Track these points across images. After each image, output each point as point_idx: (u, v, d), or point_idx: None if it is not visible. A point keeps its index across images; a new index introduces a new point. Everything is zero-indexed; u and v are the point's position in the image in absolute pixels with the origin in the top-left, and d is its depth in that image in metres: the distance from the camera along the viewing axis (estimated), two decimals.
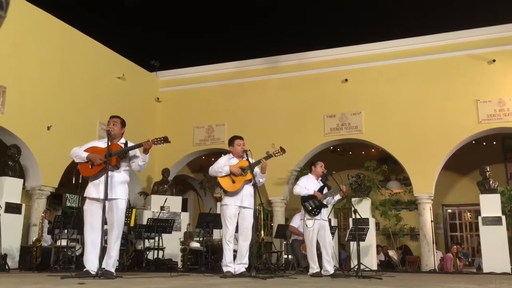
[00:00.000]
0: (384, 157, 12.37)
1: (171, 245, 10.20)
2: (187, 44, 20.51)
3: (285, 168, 11.82)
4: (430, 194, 11.19)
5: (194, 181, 15.40)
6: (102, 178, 5.14)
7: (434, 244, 11.07)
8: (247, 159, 6.07)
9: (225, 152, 6.60)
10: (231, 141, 6.37)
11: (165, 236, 9.70)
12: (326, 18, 20.60)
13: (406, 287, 4.54)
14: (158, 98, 13.75)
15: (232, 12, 20.52)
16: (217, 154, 10.26)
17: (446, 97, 11.28)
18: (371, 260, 10.43)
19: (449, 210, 14.42)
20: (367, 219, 10.70)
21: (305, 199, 7.08)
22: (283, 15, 20.95)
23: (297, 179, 8.92)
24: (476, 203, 10.78)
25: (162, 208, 10.88)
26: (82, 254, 6.66)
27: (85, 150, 5.33)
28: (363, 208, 10.64)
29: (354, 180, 7.57)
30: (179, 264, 10.20)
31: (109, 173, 5.11)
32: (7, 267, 7.92)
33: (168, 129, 12.79)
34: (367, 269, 8.93)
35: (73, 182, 8.74)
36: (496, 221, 9.93)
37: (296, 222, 9.06)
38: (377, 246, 11.90)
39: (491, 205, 10.09)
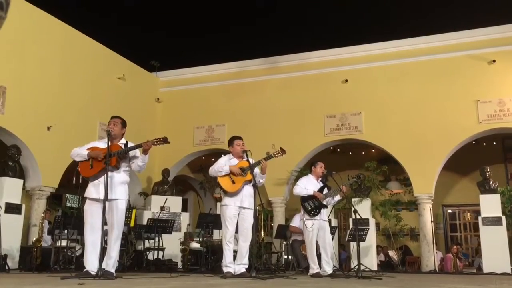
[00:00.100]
0: (384, 157, 12.37)
1: (171, 245, 10.20)
2: (187, 44, 20.52)
3: (285, 169, 11.81)
4: (430, 195, 11.18)
5: (194, 182, 15.40)
6: (102, 179, 5.14)
7: (434, 245, 11.07)
8: (247, 160, 6.07)
9: (225, 153, 6.59)
10: (231, 141, 6.37)
11: (165, 236, 9.70)
12: (326, 18, 20.61)
13: None
14: (158, 99, 13.75)
15: (232, 12, 20.53)
16: (217, 154, 10.26)
17: (446, 98, 11.28)
18: (371, 261, 10.43)
19: (449, 211, 14.42)
20: (367, 219, 10.70)
21: (304, 199, 7.09)
22: (283, 15, 20.96)
23: (297, 179, 8.92)
24: (476, 203, 10.78)
25: (162, 208, 10.88)
26: (82, 254, 6.67)
27: (85, 150, 5.34)
28: (363, 208, 10.64)
29: (354, 180, 7.57)
30: (179, 265, 10.21)
31: (109, 173, 5.11)
32: (7, 268, 7.92)
33: (168, 130, 12.78)
34: (367, 269, 8.93)
35: (74, 182, 8.71)
36: (496, 221, 9.93)
37: (296, 222, 9.06)
38: (377, 246, 11.91)
39: (491, 205, 10.09)
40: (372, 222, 10.95)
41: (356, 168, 11.92)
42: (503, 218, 9.97)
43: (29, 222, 9.92)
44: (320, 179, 7.39)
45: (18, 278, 5.83)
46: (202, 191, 15.03)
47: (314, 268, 6.98)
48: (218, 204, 9.00)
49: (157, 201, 11.55)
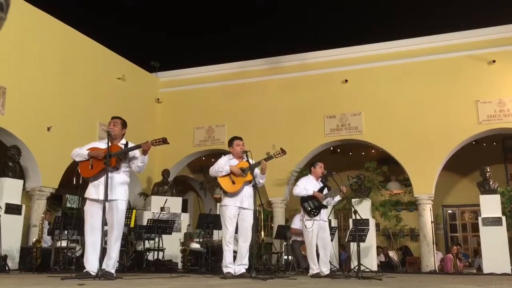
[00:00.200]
0: (384, 157, 12.37)
1: (171, 246, 10.20)
2: (187, 44, 20.52)
3: (285, 169, 11.81)
4: (430, 195, 11.18)
5: (194, 182, 15.40)
6: (102, 179, 5.15)
7: (434, 245, 11.07)
8: (247, 160, 6.08)
9: (225, 153, 6.59)
10: (231, 141, 6.37)
11: (165, 237, 9.69)
12: (326, 18, 20.61)
13: None
14: (158, 99, 13.76)
15: (232, 12, 20.53)
16: (217, 155, 10.26)
17: (446, 98, 11.28)
18: (371, 261, 10.43)
19: (449, 211, 14.42)
20: (367, 220, 10.70)
21: (304, 199, 7.09)
22: (283, 15, 20.96)
23: (297, 180, 8.92)
24: (476, 203, 10.78)
25: (162, 209, 10.89)
26: (82, 255, 6.66)
27: (86, 150, 5.35)
28: (363, 209, 10.63)
29: (355, 181, 7.57)
30: (179, 265, 10.21)
31: (109, 174, 5.11)
32: (7, 268, 7.91)
33: (168, 130, 12.78)
34: (367, 270, 8.92)
35: (74, 183, 8.75)
36: (496, 221, 9.92)
37: (296, 223, 9.06)
38: (377, 247, 11.90)
39: (491, 205, 10.09)
40: (372, 223, 10.94)
41: (356, 169, 11.93)
42: (503, 218, 9.97)
43: (29, 222, 9.92)
44: (320, 179, 7.39)
45: (18, 278, 5.83)
46: (202, 192, 15.03)
47: (314, 268, 6.98)
48: (218, 204, 9.00)
49: (157, 201, 11.56)
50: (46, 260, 8.41)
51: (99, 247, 5.01)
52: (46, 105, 10.21)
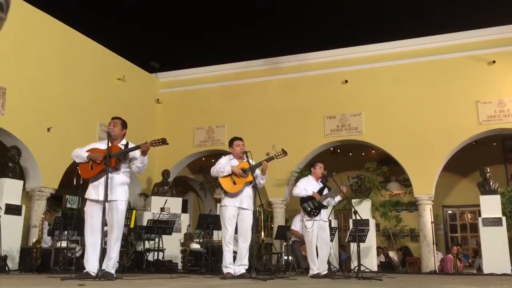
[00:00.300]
0: (384, 158, 12.37)
1: (171, 246, 10.20)
2: (187, 44, 20.52)
3: (285, 170, 11.81)
4: (430, 195, 11.18)
5: (194, 183, 15.40)
6: (102, 180, 5.15)
7: (434, 245, 11.07)
8: (247, 161, 6.08)
9: (225, 154, 6.60)
10: (231, 142, 6.38)
11: (165, 237, 9.69)
12: (326, 18, 20.61)
13: None
14: (158, 100, 13.76)
15: (232, 12, 20.53)
16: (217, 155, 10.26)
17: (446, 98, 11.28)
18: (371, 261, 10.42)
19: (449, 211, 14.41)
20: (367, 220, 10.69)
21: (304, 200, 7.09)
22: (283, 16, 20.97)
23: (297, 180, 8.92)
24: (476, 204, 10.79)
25: (162, 209, 10.89)
26: (82, 255, 6.67)
27: (86, 151, 5.35)
28: (363, 209, 10.63)
29: (355, 181, 7.57)
30: (179, 266, 10.21)
31: (109, 174, 5.11)
32: (7, 269, 7.92)
33: (168, 131, 12.80)
34: (367, 270, 8.92)
35: (74, 183, 8.75)
36: (496, 222, 9.92)
37: (296, 224, 9.06)
38: (378, 247, 11.89)
39: (491, 206, 10.09)
40: (372, 223, 10.94)
41: (356, 169, 11.93)
42: (503, 218, 9.96)
43: (29, 223, 9.92)
44: (320, 179, 7.40)
45: (18, 279, 5.83)
46: (202, 192, 15.03)
47: (314, 269, 6.98)
48: (218, 205, 8.99)
49: (157, 202, 11.56)
50: (46, 261, 8.41)
51: (99, 248, 5.01)
52: (46, 106, 10.21)
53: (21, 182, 9.46)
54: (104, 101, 11.62)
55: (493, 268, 9.57)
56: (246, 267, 6.01)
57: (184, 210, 12.77)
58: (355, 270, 7.16)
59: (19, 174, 9.49)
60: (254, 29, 20.20)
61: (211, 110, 13.20)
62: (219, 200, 7.55)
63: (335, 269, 8.88)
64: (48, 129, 10.18)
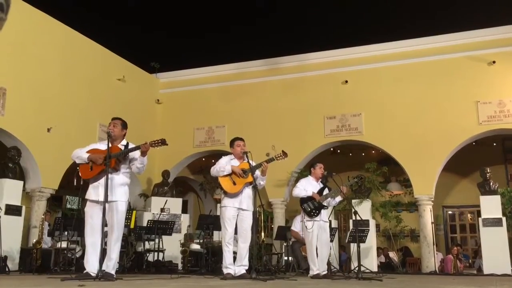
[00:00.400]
0: (384, 158, 12.36)
1: (171, 247, 10.20)
2: (187, 44, 20.52)
3: (285, 170, 11.81)
4: (431, 196, 11.18)
5: (194, 183, 15.40)
6: (102, 181, 5.15)
7: (435, 246, 11.06)
8: (247, 161, 6.09)
9: (225, 154, 6.60)
10: (232, 142, 6.40)
11: (165, 238, 9.69)
12: (326, 19, 20.61)
13: None
14: (158, 100, 13.76)
15: (232, 12, 20.53)
16: (217, 155, 10.26)
17: (446, 99, 11.28)
18: (371, 262, 10.42)
19: (450, 212, 14.41)
20: (368, 220, 10.69)
21: (304, 200, 7.09)
22: (283, 16, 20.97)
23: (297, 180, 8.92)
24: (477, 204, 10.78)
25: (162, 210, 10.88)
26: (82, 256, 6.67)
27: (86, 152, 5.35)
28: (364, 209, 10.62)
29: (355, 181, 7.57)
30: (180, 266, 10.20)
31: (109, 175, 5.11)
32: (7, 269, 7.91)
33: (168, 131, 12.81)
34: (367, 270, 8.92)
35: (74, 184, 8.74)
36: (496, 222, 9.91)
37: (297, 225, 9.06)
38: (378, 248, 11.89)
39: (491, 206, 10.08)
40: (372, 223, 10.93)
41: (356, 169, 11.93)
42: (503, 219, 9.96)
43: (29, 223, 9.92)
44: (320, 180, 7.40)
45: (18, 279, 5.83)
46: (202, 193, 15.04)
47: (314, 269, 6.97)
48: (218, 205, 9.00)
49: (157, 202, 11.55)
50: (46, 261, 8.41)
51: (99, 248, 5.01)
52: (46, 106, 10.21)
53: (21, 182, 9.45)
54: (104, 101, 11.62)
55: (493, 269, 9.56)
56: (246, 267, 6.01)
57: (184, 210, 12.77)
58: (355, 271, 7.16)
59: (19, 174, 9.49)
60: (254, 29, 20.22)
61: (211, 110, 13.20)
62: (219, 201, 7.55)
63: (335, 269, 8.88)
64: (48, 130, 10.18)
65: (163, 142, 5.20)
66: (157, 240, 9.52)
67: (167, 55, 17.29)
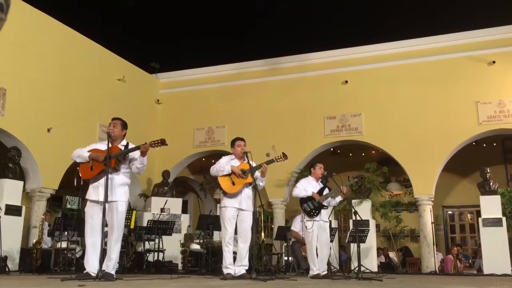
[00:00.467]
0: (384, 158, 12.36)
1: (171, 247, 10.20)
2: (187, 44, 20.52)
3: (285, 170, 11.81)
4: (431, 196, 11.18)
5: (194, 183, 15.40)
6: (102, 181, 5.16)
7: (435, 246, 11.06)
8: (248, 162, 6.09)
9: (225, 154, 6.61)
10: (233, 142, 6.41)
11: (165, 238, 9.69)
12: (326, 19, 20.61)
13: None
14: (158, 100, 13.76)
15: (232, 12, 20.53)
16: (217, 156, 10.26)
17: (446, 99, 11.29)
18: (371, 262, 10.42)
19: (450, 212, 14.41)
20: (368, 220, 10.69)
21: (303, 200, 7.10)
22: (283, 16, 20.96)
23: (297, 181, 8.92)
24: (477, 204, 10.78)
25: (162, 210, 10.88)
26: (82, 256, 6.67)
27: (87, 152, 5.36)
28: (364, 209, 10.62)
29: (355, 181, 7.57)
30: (180, 266, 10.20)
31: (109, 175, 5.12)
32: (7, 269, 7.91)
33: (168, 131, 12.82)
34: (367, 271, 8.92)
35: (75, 184, 8.72)
36: (496, 222, 9.92)
37: (297, 225, 9.06)
38: (378, 248, 11.89)
39: (491, 206, 10.08)
40: (372, 224, 10.93)
41: (356, 170, 11.93)
42: (503, 219, 9.96)
43: (29, 223, 9.92)
44: (320, 180, 7.40)
45: (18, 280, 5.83)
46: (202, 193, 15.03)
47: (314, 269, 6.98)
48: (218, 205, 9.00)
49: (157, 202, 11.55)
50: (46, 261, 8.41)
51: (99, 248, 5.01)
52: (46, 106, 10.21)
53: (21, 182, 9.45)
54: (104, 101, 11.62)
55: (493, 269, 9.56)
56: (246, 267, 6.02)
57: (184, 210, 12.77)
58: (355, 271, 7.16)
59: (19, 174, 9.49)
60: (254, 29, 20.22)
61: (211, 110, 13.20)
62: (219, 201, 7.55)
63: (335, 269, 8.88)
64: (48, 130, 10.18)
65: (162, 143, 5.20)
66: (157, 240, 9.53)
67: (167, 55, 17.30)
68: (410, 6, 18.61)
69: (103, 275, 4.85)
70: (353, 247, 9.41)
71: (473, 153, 12.32)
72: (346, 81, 12.12)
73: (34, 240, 8.82)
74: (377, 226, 12.38)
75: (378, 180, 12.13)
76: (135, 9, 20.79)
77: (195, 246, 9.90)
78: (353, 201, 10.67)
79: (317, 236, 7.06)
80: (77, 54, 11.16)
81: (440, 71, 11.48)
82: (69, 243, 8.41)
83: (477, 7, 16.09)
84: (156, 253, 9.61)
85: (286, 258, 9.70)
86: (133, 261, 9.21)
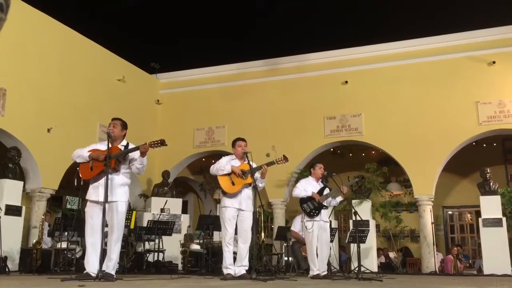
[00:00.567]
0: (384, 158, 12.36)
1: (171, 247, 10.20)
2: (187, 45, 20.53)
3: (285, 170, 11.79)
4: (431, 196, 11.18)
5: (194, 183, 15.40)
6: (102, 181, 5.15)
7: (435, 246, 11.06)
8: (248, 162, 6.09)
9: (225, 154, 6.61)
10: (234, 142, 6.42)
11: (165, 238, 9.69)
12: (327, 19, 20.61)
13: None
14: (158, 100, 13.76)
15: (232, 12, 20.53)
16: (217, 156, 10.26)
17: (446, 99, 11.29)
18: (371, 262, 10.42)
19: (450, 212, 14.41)
20: (368, 221, 10.69)
21: (303, 201, 7.09)
22: (283, 16, 20.97)
23: (297, 181, 8.92)
24: (477, 204, 10.78)
25: (162, 210, 10.88)
26: (82, 256, 6.67)
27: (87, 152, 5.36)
28: (364, 210, 10.62)
29: (356, 181, 7.58)
30: (180, 266, 10.20)
31: (109, 175, 5.11)
32: (7, 270, 7.91)
33: (168, 131, 12.82)
34: (367, 271, 8.92)
35: (75, 184, 8.72)
36: (496, 222, 9.91)
37: (297, 225, 9.06)
38: (378, 248, 11.88)
39: (491, 206, 10.08)
40: (372, 224, 10.93)
41: (356, 170, 11.93)
42: (503, 219, 9.96)
43: (29, 224, 9.91)
44: (320, 180, 7.40)
45: (18, 280, 5.83)
46: (202, 193, 15.03)
47: (314, 269, 6.98)
48: (218, 205, 9.00)
49: (157, 203, 11.55)
50: (46, 262, 8.40)
51: (99, 249, 5.01)
52: (46, 107, 10.21)
53: (21, 183, 9.45)
54: (104, 102, 11.62)
55: (494, 269, 9.56)
56: (246, 268, 6.02)
57: (184, 211, 12.76)
58: (355, 271, 7.15)
59: (19, 175, 9.48)
60: (254, 29, 20.22)
61: (211, 111, 13.20)
62: (219, 201, 7.56)
63: (335, 270, 8.88)
64: (48, 130, 10.18)
65: (162, 143, 5.20)
66: (157, 241, 9.53)
67: (167, 55, 17.30)
68: (410, 6, 18.62)
69: (103, 275, 4.85)
70: (353, 247, 9.41)
71: (473, 153, 12.32)
72: (346, 81, 12.12)
73: (34, 240, 8.82)
74: (377, 226, 12.38)
75: (378, 180, 12.13)
76: (135, 9, 20.79)
77: (195, 247, 9.90)
78: (353, 201, 10.67)
79: (317, 236, 7.06)
80: (77, 54, 11.16)
81: (440, 71, 11.48)
82: (69, 243, 8.41)
83: (477, 7, 16.10)
84: (156, 254, 9.61)
85: (286, 258, 9.70)
86: (133, 262, 9.21)
